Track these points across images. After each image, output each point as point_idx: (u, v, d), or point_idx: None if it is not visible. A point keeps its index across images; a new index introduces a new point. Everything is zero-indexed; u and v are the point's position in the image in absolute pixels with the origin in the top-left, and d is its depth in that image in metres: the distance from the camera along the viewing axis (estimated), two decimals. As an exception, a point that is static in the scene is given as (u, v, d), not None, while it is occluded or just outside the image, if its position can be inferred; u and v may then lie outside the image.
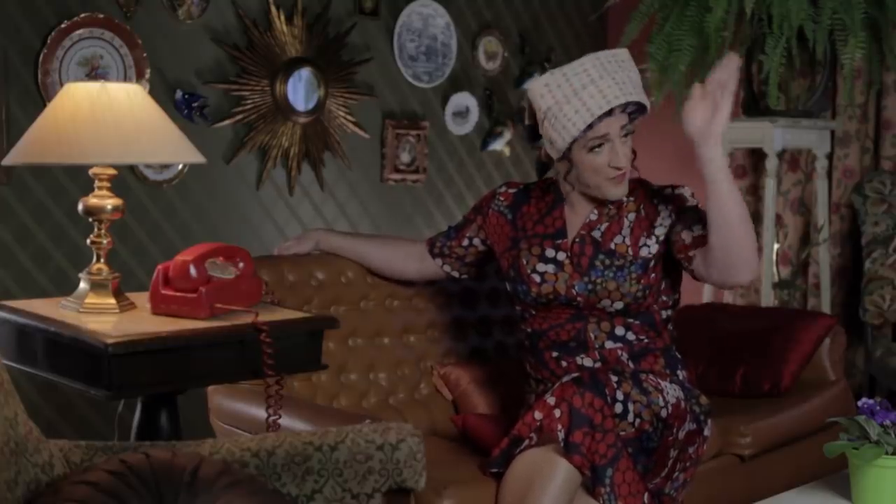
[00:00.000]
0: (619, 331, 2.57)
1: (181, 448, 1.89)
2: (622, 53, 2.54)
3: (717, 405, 2.84)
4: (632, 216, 2.57)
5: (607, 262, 2.54)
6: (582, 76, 2.45)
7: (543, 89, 2.49)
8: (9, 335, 2.32)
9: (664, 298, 2.60)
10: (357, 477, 1.97)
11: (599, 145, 2.48)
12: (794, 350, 3.30)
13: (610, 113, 2.47)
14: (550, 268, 2.59)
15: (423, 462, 2.04)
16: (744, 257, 2.43)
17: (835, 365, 3.44)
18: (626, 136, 2.51)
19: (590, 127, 2.46)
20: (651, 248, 2.55)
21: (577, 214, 2.63)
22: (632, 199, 2.60)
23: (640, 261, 2.54)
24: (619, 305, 2.54)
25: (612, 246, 2.56)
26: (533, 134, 2.60)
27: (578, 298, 2.55)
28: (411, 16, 4.40)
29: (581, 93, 2.44)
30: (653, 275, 2.55)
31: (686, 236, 2.52)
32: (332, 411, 2.68)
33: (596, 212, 2.60)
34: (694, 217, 2.54)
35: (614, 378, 2.41)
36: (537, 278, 2.59)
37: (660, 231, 2.56)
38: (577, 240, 2.59)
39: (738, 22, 4.05)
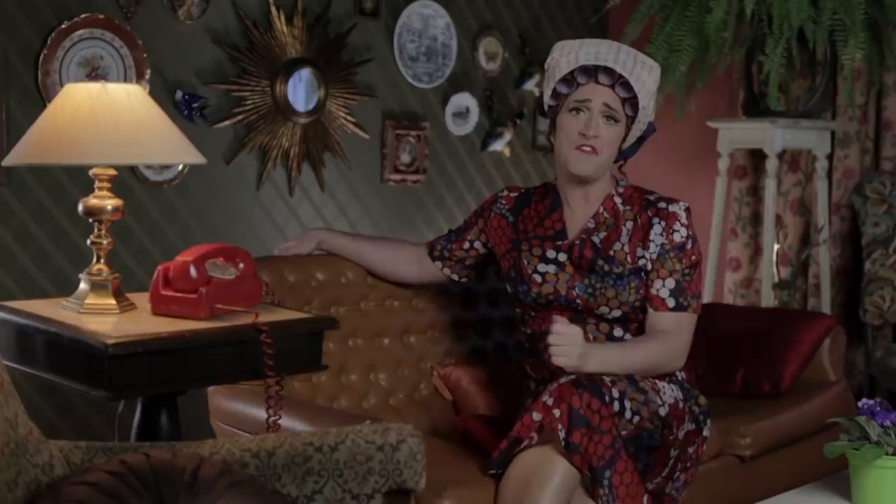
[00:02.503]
0: (618, 332, 2.58)
1: (181, 449, 1.89)
2: (648, 59, 2.62)
3: (717, 406, 2.84)
4: (629, 224, 2.59)
5: (606, 267, 2.55)
6: (594, 43, 2.58)
7: (558, 46, 2.63)
8: (9, 335, 2.32)
9: None
10: (357, 478, 1.97)
11: (580, 110, 2.55)
12: (795, 350, 3.30)
13: (597, 79, 2.54)
14: (551, 268, 2.60)
15: (423, 463, 2.04)
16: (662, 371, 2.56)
17: (835, 365, 3.44)
18: (608, 118, 2.55)
19: (577, 85, 2.54)
20: (646, 258, 2.56)
21: (576, 218, 2.64)
22: (628, 207, 2.61)
23: (638, 271, 2.55)
24: (617, 313, 2.55)
25: (612, 252, 2.56)
26: (543, 105, 2.66)
27: (578, 300, 2.56)
28: (411, 16, 4.40)
29: (580, 50, 2.57)
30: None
31: (657, 286, 2.56)
32: (332, 412, 2.68)
33: (593, 221, 2.61)
34: (676, 260, 2.55)
35: (608, 378, 2.42)
36: (538, 278, 2.60)
37: (652, 246, 2.57)
38: (577, 242, 2.60)
39: (738, 22, 4.06)
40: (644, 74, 2.57)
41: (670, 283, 2.54)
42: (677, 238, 2.55)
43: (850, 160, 4.50)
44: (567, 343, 2.37)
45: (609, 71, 2.53)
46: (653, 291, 2.55)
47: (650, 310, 2.55)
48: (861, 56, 3.91)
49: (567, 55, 2.57)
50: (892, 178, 4.34)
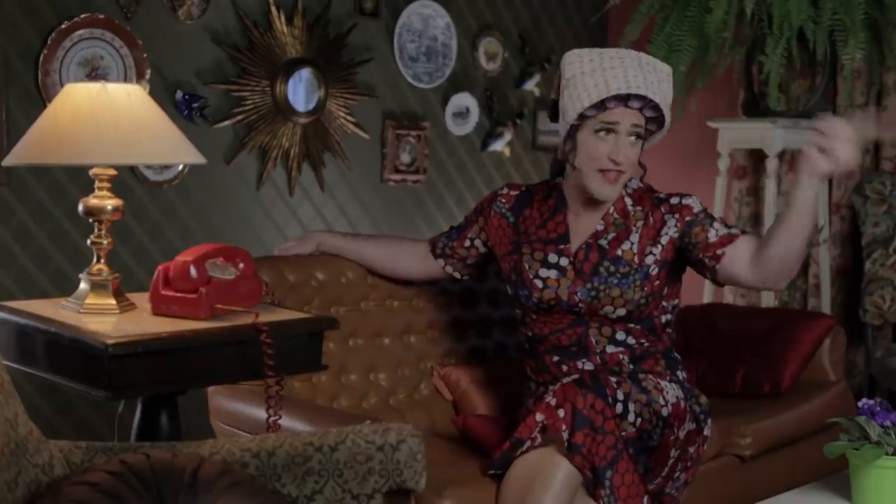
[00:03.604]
0: (620, 335, 2.57)
1: (181, 449, 1.89)
2: (663, 66, 2.57)
3: (718, 405, 2.84)
4: (640, 224, 2.57)
5: (612, 268, 2.54)
6: (615, 59, 2.50)
7: (574, 57, 2.53)
8: (9, 335, 2.32)
9: (664, 304, 2.60)
10: (357, 478, 1.97)
11: (606, 131, 2.49)
12: (795, 350, 3.30)
13: (627, 103, 2.48)
14: (553, 273, 2.58)
15: (423, 463, 2.04)
16: (794, 269, 2.49)
17: (835, 365, 3.44)
18: (634, 137, 2.51)
19: (604, 108, 2.48)
20: (656, 255, 2.54)
21: (581, 222, 2.62)
22: (639, 207, 2.59)
23: (645, 268, 2.54)
24: (621, 312, 2.54)
25: (619, 252, 2.55)
26: (555, 110, 2.60)
27: (580, 305, 2.55)
28: (411, 16, 4.40)
29: (607, 71, 2.47)
30: (656, 282, 2.55)
31: (711, 235, 2.52)
32: (332, 412, 2.68)
33: (602, 223, 2.59)
34: (710, 219, 2.55)
35: (613, 379, 2.41)
36: (539, 283, 2.58)
37: (664, 240, 2.55)
38: (582, 247, 2.58)
39: (738, 22, 4.06)
40: (665, 87, 2.54)
41: (715, 228, 2.52)
42: (697, 210, 2.56)
43: (850, 160, 4.49)
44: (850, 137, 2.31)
45: (640, 94, 2.49)
46: (712, 239, 2.51)
47: (728, 253, 2.50)
48: (861, 56, 3.91)
49: (593, 76, 2.47)
50: (892, 178, 4.34)
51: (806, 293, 4.63)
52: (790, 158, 4.63)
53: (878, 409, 2.28)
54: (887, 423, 2.26)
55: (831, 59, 4.17)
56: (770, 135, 4.18)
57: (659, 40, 4.10)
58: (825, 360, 3.41)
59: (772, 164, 4.21)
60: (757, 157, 4.63)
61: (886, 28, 4.03)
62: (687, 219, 2.55)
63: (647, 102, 2.50)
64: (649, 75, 2.50)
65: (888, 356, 4.04)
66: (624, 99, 2.48)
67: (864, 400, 2.32)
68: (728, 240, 2.51)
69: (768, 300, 4.30)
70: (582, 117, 2.51)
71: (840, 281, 4.54)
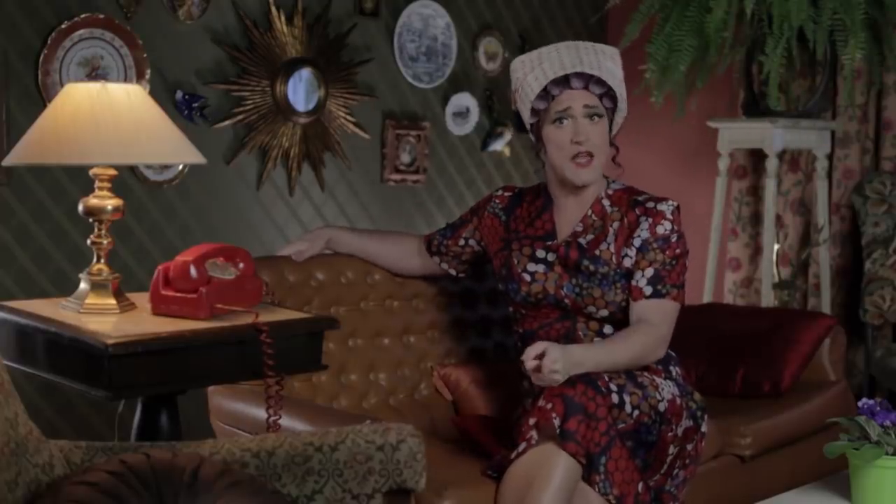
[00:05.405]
0: (608, 329, 2.60)
1: (181, 449, 1.89)
2: (606, 47, 2.64)
3: (717, 405, 2.84)
4: (616, 225, 2.61)
5: (592, 267, 2.56)
6: (552, 52, 2.60)
7: (518, 64, 2.64)
8: (9, 335, 2.32)
9: None
10: (357, 477, 1.97)
11: (562, 119, 2.56)
12: (795, 350, 3.30)
13: (570, 85, 2.55)
14: (541, 268, 2.62)
15: (423, 463, 2.04)
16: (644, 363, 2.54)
17: (835, 365, 3.44)
18: (592, 117, 2.56)
19: (552, 97, 2.56)
20: (632, 258, 2.57)
21: (566, 218, 2.66)
22: (616, 208, 2.63)
23: (623, 270, 2.56)
24: (604, 313, 2.58)
25: (597, 252, 2.58)
26: (519, 121, 2.69)
27: (566, 300, 2.58)
28: (411, 16, 4.40)
29: (544, 63, 2.58)
30: None
31: (638, 277, 2.55)
32: (332, 412, 2.68)
33: (581, 224, 2.63)
34: (660, 252, 2.55)
35: (606, 375, 2.42)
36: (527, 277, 2.62)
37: (637, 242, 2.57)
38: (563, 244, 2.62)
39: (738, 22, 4.06)
40: (609, 64, 2.60)
41: (649, 272, 2.54)
42: (660, 231, 2.57)
43: (850, 160, 4.50)
44: (547, 376, 2.34)
45: (578, 73, 2.56)
46: (633, 283, 2.55)
47: (631, 301, 2.55)
48: (861, 56, 3.91)
49: (533, 72, 2.58)
50: (892, 178, 4.34)
51: (806, 293, 4.63)
52: (790, 158, 4.64)
53: (878, 409, 2.28)
54: (887, 423, 2.26)
55: (831, 59, 4.17)
56: (770, 135, 4.18)
57: (659, 40, 4.10)
58: (825, 360, 3.42)
59: (772, 164, 4.21)
60: (757, 157, 4.64)
61: (886, 28, 4.03)
62: (654, 232, 2.56)
63: (587, 79, 2.56)
64: (585, 55, 2.58)
65: (888, 356, 4.04)
66: (565, 82, 2.55)
67: (864, 400, 2.32)
68: (638, 294, 2.53)
69: (768, 300, 4.30)
70: (536, 113, 2.59)
71: (840, 281, 4.54)
